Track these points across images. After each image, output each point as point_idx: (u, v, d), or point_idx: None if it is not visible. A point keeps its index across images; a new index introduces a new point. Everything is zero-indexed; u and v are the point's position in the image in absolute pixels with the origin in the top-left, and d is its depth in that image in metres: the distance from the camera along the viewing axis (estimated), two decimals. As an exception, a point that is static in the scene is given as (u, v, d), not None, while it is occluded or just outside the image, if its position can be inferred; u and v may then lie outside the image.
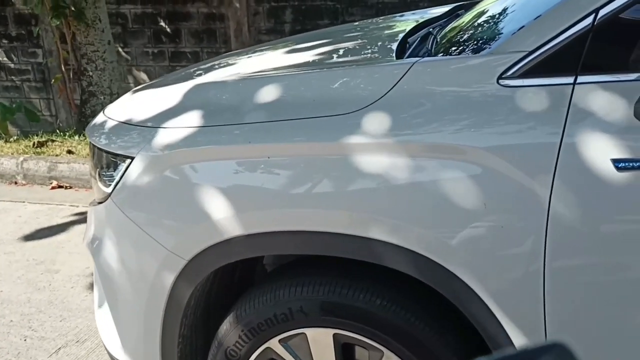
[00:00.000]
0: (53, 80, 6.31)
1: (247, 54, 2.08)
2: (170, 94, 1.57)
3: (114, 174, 1.54)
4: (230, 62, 1.97)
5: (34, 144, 4.82)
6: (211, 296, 1.57)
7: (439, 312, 1.32)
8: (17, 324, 2.53)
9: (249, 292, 1.48)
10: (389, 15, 2.87)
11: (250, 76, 1.58)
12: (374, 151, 1.22)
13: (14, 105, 5.87)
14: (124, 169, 1.47)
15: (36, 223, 3.60)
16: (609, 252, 1.14)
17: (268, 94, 1.38)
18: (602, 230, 1.14)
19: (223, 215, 1.34)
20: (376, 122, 1.22)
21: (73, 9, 5.26)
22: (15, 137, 5.45)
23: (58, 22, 5.32)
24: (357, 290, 1.33)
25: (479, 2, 2.14)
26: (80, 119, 5.77)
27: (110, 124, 1.62)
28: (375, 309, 1.32)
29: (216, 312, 1.60)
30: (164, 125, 1.44)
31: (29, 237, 3.40)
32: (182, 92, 1.57)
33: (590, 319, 1.18)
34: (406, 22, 2.38)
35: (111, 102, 5.67)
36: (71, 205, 3.87)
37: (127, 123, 1.56)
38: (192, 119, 1.42)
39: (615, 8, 1.09)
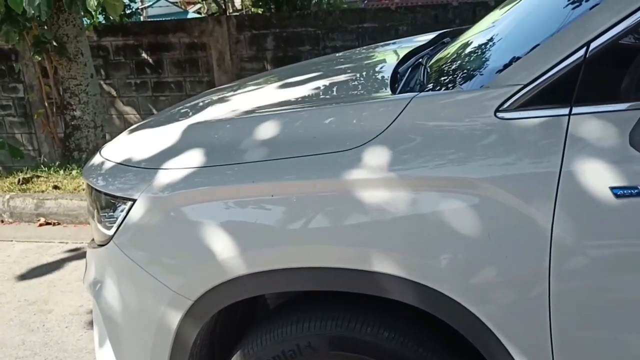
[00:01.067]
0: (36, 115, 6.29)
1: (236, 90, 2.10)
2: (168, 134, 1.58)
3: (114, 215, 1.53)
4: (221, 98, 1.98)
5: (19, 180, 4.78)
6: (215, 334, 1.57)
7: (447, 342, 1.34)
8: (12, 368, 2.49)
9: (255, 329, 1.48)
10: (370, 45, 2.92)
11: (248, 114, 1.59)
12: (378, 186, 1.23)
13: (-4, 142, 5.82)
14: (125, 211, 1.47)
15: (26, 262, 3.56)
16: (612, 277, 1.16)
17: (268, 131, 1.40)
18: (604, 256, 1.16)
19: (228, 255, 1.34)
20: (378, 157, 1.25)
21: (55, 44, 5.26)
22: (-2, 175, 5.40)
23: (40, 58, 5.31)
24: (364, 324, 1.34)
25: (463, 29, 2.20)
26: (65, 153, 5.74)
27: (108, 165, 1.62)
28: (383, 341, 1.33)
29: (220, 350, 1.59)
30: (164, 166, 1.44)
31: (19, 277, 3.36)
32: (180, 131, 1.58)
33: (595, 343, 1.20)
34: (386, 52, 2.43)
35: (96, 134, 5.67)
36: (60, 242, 3.84)
37: (126, 164, 1.56)
38: (192, 159, 1.43)
39: (606, 40, 1.13)
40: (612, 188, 1.11)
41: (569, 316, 1.19)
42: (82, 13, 5.26)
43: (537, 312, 1.19)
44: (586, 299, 1.18)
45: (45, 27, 5.27)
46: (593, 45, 1.14)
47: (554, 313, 1.18)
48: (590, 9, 1.21)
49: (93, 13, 6.55)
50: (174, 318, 1.43)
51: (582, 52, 1.15)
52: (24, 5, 4.33)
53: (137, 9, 8.93)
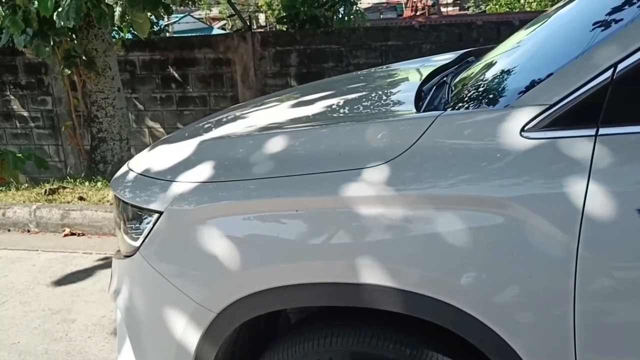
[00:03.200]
0: (63, 127, 6.41)
1: (260, 106, 2.13)
2: (193, 148, 1.60)
3: (140, 227, 1.56)
4: (245, 114, 2.01)
5: (45, 191, 4.87)
6: (237, 348, 1.58)
7: (469, 361, 1.33)
8: (35, 376, 2.52)
9: (276, 343, 1.49)
10: (391, 64, 2.93)
11: (273, 130, 1.61)
12: (401, 203, 1.24)
13: (22, 154, 5.94)
14: (152, 223, 1.49)
15: (50, 272, 3.61)
16: (638, 299, 1.15)
17: (294, 147, 1.42)
18: (630, 277, 1.15)
19: (252, 268, 1.36)
20: (402, 174, 1.26)
21: (84, 58, 5.37)
22: (25, 185, 5.51)
23: (69, 72, 5.43)
24: (386, 340, 1.34)
25: (487, 48, 2.20)
26: (90, 165, 5.84)
27: (135, 177, 1.65)
28: (405, 358, 1.33)
29: (242, 363, 1.60)
30: (190, 180, 1.47)
31: (44, 286, 3.41)
32: (206, 146, 1.61)
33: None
34: (409, 70, 2.44)
35: (121, 147, 5.76)
36: (84, 253, 3.89)
37: (153, 177, 1.59)
38: (216, 174, 1.45)
39: (634, 62, 1.13)
40: (638, 210, 1.11)
41: (594, 338, 1.18)
42: (110, 28, 5.38)
43: (562, 333, 1.18)
44: (611, 320, 1.17)
45: (76, 42, 5.40)
46: (620, 66, 1.14)
47: (579, 334, 1.17)
48: (618, 30, 1.22)
49: (122, 29, 6.71)
50: (197, 330, 1.45)
51: (609, 73, 1.15)
52: (54, 15, 4.44)
53: (164, 26, 9.08)
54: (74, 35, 5.41)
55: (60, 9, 4.41)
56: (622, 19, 1.27)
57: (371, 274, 1.28)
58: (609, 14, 1.33)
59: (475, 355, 1.29)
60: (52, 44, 5.08)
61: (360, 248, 1.27)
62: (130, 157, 1.89)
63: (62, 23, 4.45)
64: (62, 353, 2.68)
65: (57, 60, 5.47)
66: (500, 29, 6.16)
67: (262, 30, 12.91)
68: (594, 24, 1.35)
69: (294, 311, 1.78)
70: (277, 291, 1.36)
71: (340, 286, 1.32)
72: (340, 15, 8.21)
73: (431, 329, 1.31)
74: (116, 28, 6.35)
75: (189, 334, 1.46)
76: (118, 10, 4.56)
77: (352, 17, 8.30)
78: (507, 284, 1.20)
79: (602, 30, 1.30)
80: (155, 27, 8.30)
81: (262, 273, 1.35)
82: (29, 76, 7.44)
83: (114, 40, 5.86)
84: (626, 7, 1.30)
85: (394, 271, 1.25)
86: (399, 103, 1.83)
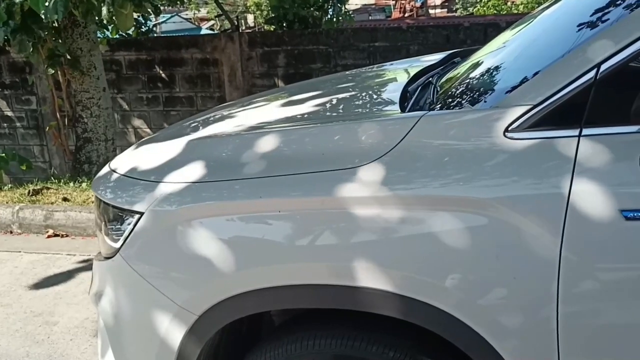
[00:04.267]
0: (48, 128, 6.34)
1: (246, 105, 2.11)
2: (177, 148, 1.58)
3: (121, 228, 1.54)
4: (231, 113, 1.99)
5: (29, 192, 4.80)
6: (220, 350, 1.56)
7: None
8: (15, 379, 2.48)
9: (259, 346, 1.47)
10: (380, 64, 2.93)
11: (256, 130, 1.60)
12: (385, 204, 1.23)
13: (5, 154, 5.86)
14: (132, 224, 1.47)
15: (33, 273, 3.56)
16: (622, 301, 1.15)
17: (276, 148, 1.40)
18: (614, 279, 1.15)
19: (234, 270, 1.34)
20: (386, 175, 1.24)
21: (68, 57, 5.31)
22: (9, 186, 5.43)
23: (53, 71, 5.36)
24: (369, 343, 1.33)
25: (473, 49, 2.20)
26: (75, 166, 5.77)
27: (116, 178, 1.63)
28: (388, 361, 1.32)
29: (225, 366, 1.58)
30: (172, 180, 1.45)
31: (26, 288, 3.36)
32: (188, 146, 1.59)
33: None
34: (396, 70, 2.44)
35: (106, 148, 5.70)
36: (68, 254, 3.84)
37: (134, 177, 1.56)
38: (200, 174, 1.43)
39: (617, 62, 1.13)
40: (621, 210, 1.10)
41: (577, 340, 1.18)
42: (96, 26, 5.30)
43: (545, 336, 1.18)
44: (595, 323, 1.17)
45: (60, 41, 5.34)
46: (604, 67, 1.14)
47: (562, 337, 1.17)
48: (601, 31, 1.21)
49: (109, 28, 6.64)
50: (178, 333, 1.42)
51: (592, 73, 1.14)
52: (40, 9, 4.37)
53: (152, 26, 9.01)
54: (58, 35, 5.35)
55: (47, 3, 4.33)
56: (607, 20, 1.27)
57: (353, 276, 1.26)
58: (593, 14, 1.33)
59: (460, 358, 1.28)
60: (35, 40, 5.01)
61: (342, 249, 1.26)
62: (115, 156, 1.87)
63: (49, 16, 4.37)
64: (44, 356, 2.64)
65: (41, 60, 5.41)
66: (487, 30, 6.18)
67: (250, 30, 12.88)
68: (578, 25, 1.35)
69: (278, 313, 1.76)
70: (261, 293, 1.34)
71: (322, 288, 1.30)
72: (328, 17, 8.20)
73: (417, 332, 1.30)
74: (102, 27, 6.28)
75: (170, 337, 1.44)
76: (106, 3, 4.49)
77: (340, 18, 8.29)
78: (491, 286, 1.20)
79: (587, 31, 1.29)
80: (143, 27, 8.22)
81: (245, 275, 1.33)
82: (13, 75, 7.36)
83: (99, 39, 5.80)
84: (610, 7, 1.30)
85: (377, 273, 1.24)
86: (384, 103, 1.82)
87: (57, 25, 5.14)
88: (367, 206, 1.24)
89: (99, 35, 5.93)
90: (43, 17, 4.38)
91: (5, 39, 4.95)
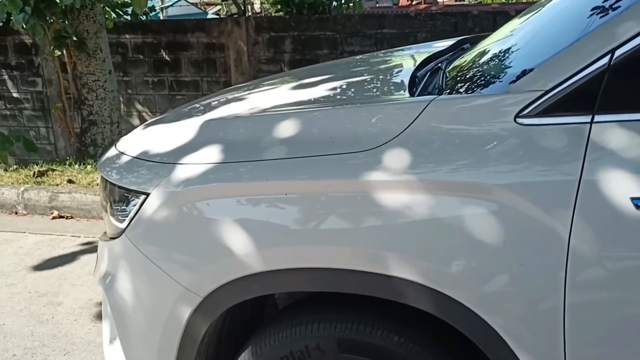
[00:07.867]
0: (53, 110, 6.33)
1: (252, 89, 2.09)
2: (184, 130, 1.57)
3: (127, 209, 1.53)
4: (237, 97, 1.98)
5: (34, 173, 4.82)
6: (223, 332, 1.56)
7: (458, 350, 1.32)
8: (20, 358, 2.50)
9: (263, 329, 1.47)
10: (389, 49, 2.91)
11: (264, 113, 1.59)
12: (393, 188, 1.22)
13: (11, 135, 5.86)
14: (138, 205, 1.47)
15: (38, 254, 3.58)
16: (630, 290, 1.13)
17: (284, 130, 1.39)
18: (623, 268, 1.14)
19: (239, 252, 1.33)
20: (394, 159, 1.23)
21: (75, 39, 5.30)
22: (14, 167, 5.44)
23: (60, 53, 5.35)
24: (374, 327, 1.33)
25: (482, 36, 2.18)
26: (80, 148, 5.78)
27: (123, 158, 1.62)
28: (393, 346, 1.31)
29: (228, 348, 1.58)
30: (179, 162, 1.44)
31: (31, 269, 3.38)
32: (195, 127, 1.57)
33: (610, 358, 1.18)
34: (405, 56, 2.42)
35: (111, 131, 5.70)
36: (72, 236, 3.86)
37: (141, 158, 1.56)
38: (207, 156, 1.42)
39: (632, 48, 1.11)
40: (632, 199, 1.09)
41: (584, 330, 1.17)
42: (109, 6, 5.27)
43: (551, 324, 1.17)
44: (602, 312, 1.16)
45: (67, 22, 5.32)
46: (618, 52, 1.12)
47: (569, 326, 1.16)
48: (616, 16, 1.19)
49: (120, 11, 6.61)
50: (183, 314, 1.42)
51: (606, 59, 1.13)
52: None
53: (158, 12, 8.96)
54: (65, 16, 5.33)
55: None
56: (619, 6, 1.24)
57: (359, 260, 1.26)
58: (605, 0, 1.31)
59: (465, 344, 1.28)
60: (46, 23, 5.01)
61: (348, 233, 1.25)
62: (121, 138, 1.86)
63: (65, 0, 4.36)
64: (48, 335, 2.66)
65: (48, 41, 5.39)
66: (497, 18, 6.12)
67: (256, 15, 12.81)
68: (591, 10, 1.32)
69: (282, 297, 1.76)
70: (264, 276, 1.34)
71: (327, 272, 1.30)
72: (337, 3, 8.13)
73: (422, 317, 1.29)
74: (109, 9, 6.25)
75: (174, 318, 1.44)
76: None
77: (350, 4, 8.22)
78: (498, 273, 1.19)
79: (600, 17, 1.27)
80: (151, 12, 8.16)
81: (250, 257, 1.33)
82: (19, 57, 7.33)
83: (105, 21, 5.77)
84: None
85: (382, 257, 1.23)
86: (394, 88, 1.80)
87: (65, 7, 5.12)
88: (373, 190, 1.23)
89: (106, 17, 5.89)
90: (58, 1, 4.38)
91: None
